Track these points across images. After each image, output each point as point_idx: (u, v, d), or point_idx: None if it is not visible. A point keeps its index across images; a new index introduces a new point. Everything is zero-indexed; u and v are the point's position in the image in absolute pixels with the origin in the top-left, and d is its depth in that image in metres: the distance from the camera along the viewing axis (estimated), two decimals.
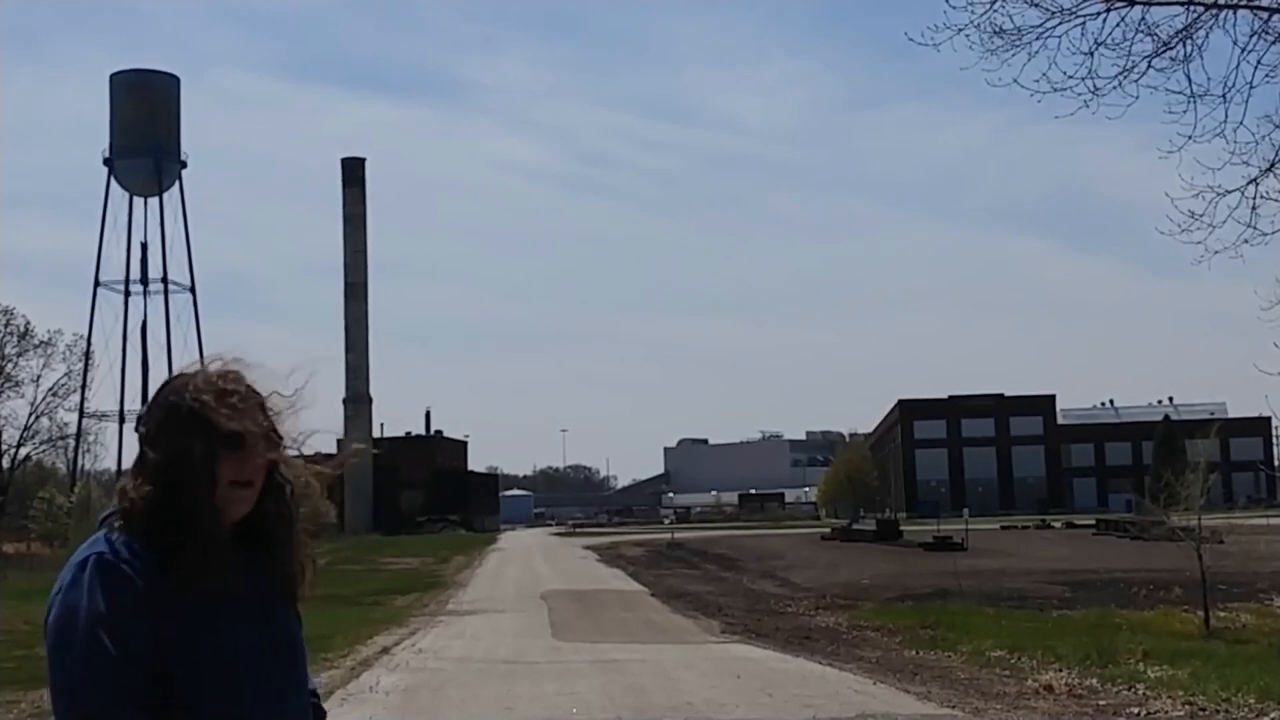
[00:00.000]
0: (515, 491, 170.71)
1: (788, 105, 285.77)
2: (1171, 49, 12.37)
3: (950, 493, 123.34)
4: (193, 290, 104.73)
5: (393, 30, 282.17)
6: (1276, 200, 12.74)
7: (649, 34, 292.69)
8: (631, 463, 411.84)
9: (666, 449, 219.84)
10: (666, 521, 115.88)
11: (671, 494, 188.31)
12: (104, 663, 2.20)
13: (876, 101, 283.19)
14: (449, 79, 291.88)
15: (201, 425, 2.35)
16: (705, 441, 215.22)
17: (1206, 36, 12.37)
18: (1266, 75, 12.54)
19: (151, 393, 2.49)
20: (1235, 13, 12.39)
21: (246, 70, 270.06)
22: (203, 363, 2.48)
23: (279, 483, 2.45)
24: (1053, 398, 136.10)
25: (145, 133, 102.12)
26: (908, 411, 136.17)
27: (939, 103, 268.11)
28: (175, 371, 2.49)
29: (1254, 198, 12.66)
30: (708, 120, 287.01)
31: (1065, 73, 12.56)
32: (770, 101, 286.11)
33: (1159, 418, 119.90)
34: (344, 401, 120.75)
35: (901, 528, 63.58)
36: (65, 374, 79.65)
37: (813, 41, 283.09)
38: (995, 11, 12.48)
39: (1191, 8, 12.28)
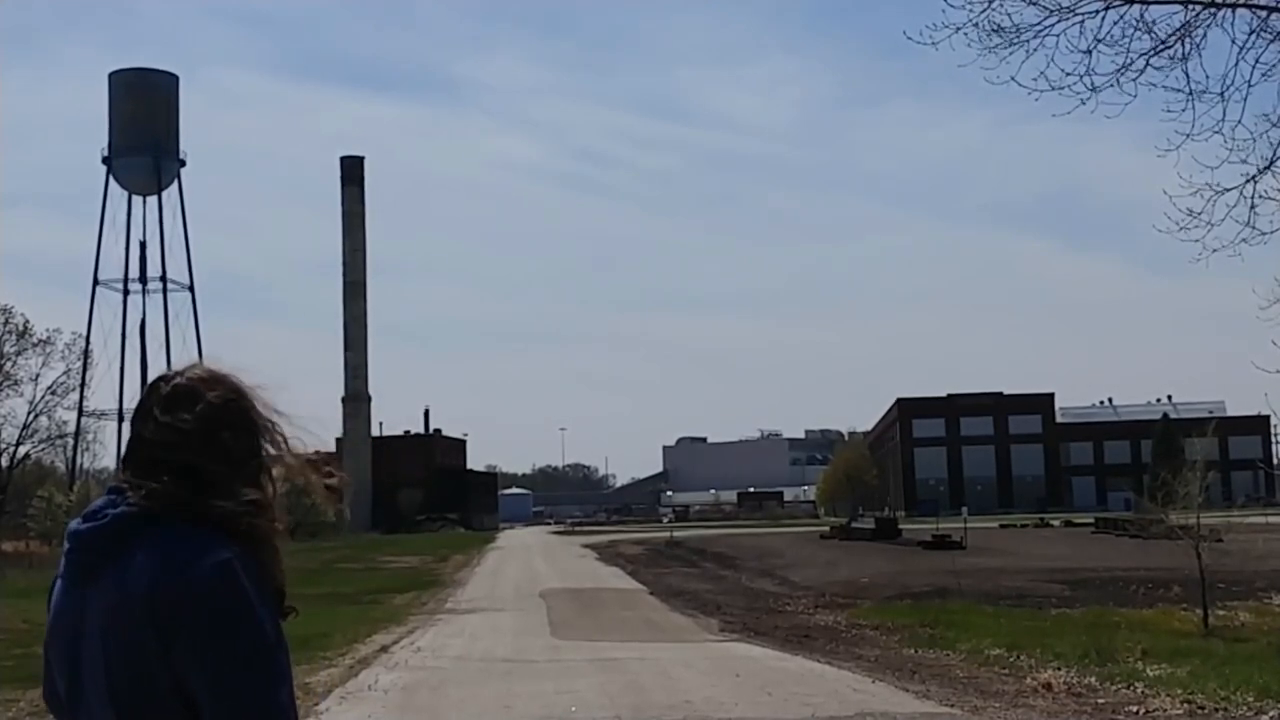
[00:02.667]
0: (514, 490, 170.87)
1: (785, 103, 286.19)
2: (1170, 47, 12.39)
3: (949, 491, 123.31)
4: (191, 289, 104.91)
5: (389, 28, 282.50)
6: (1275, 199, 12.76)
7: (646, 32, 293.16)
8: (630, 461, 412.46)
9: (665, 448, 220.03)
10: (665, 520, 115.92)
11: (670, 492, 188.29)
12: (280, 658, 2.25)
13: (874, 100, 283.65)
14: (446, 77, 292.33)
15: (276, 435, 2.38)
16: (704, 440, 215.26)
17: (1205, 34, 12.39)
18: (1265, 73, 12.56)
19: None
20: (1234, 11, 12.40)
21: (243, 69, 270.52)
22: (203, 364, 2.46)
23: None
24: (1051, 396, 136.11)
25: (144, 131, 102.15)
26: (906, 410, 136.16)
27: (936, 101, 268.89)
28: (221, 371, 2.41)
29: (1252, 196, 12.69)
30: (705, 119, 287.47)
31: (1063, 70, 12.59)
32: (767, 100, 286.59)
33: (1158, 416, 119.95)
34: (342, 400, 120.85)
35: (900, 526, 63.57)
36: (64, 372, 79.60)
37: (809, 39, 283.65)
38: (993, 10, 12.51)
39: (1190, 6, 12.30)
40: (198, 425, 2.30)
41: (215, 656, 2.17)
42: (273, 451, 2.38)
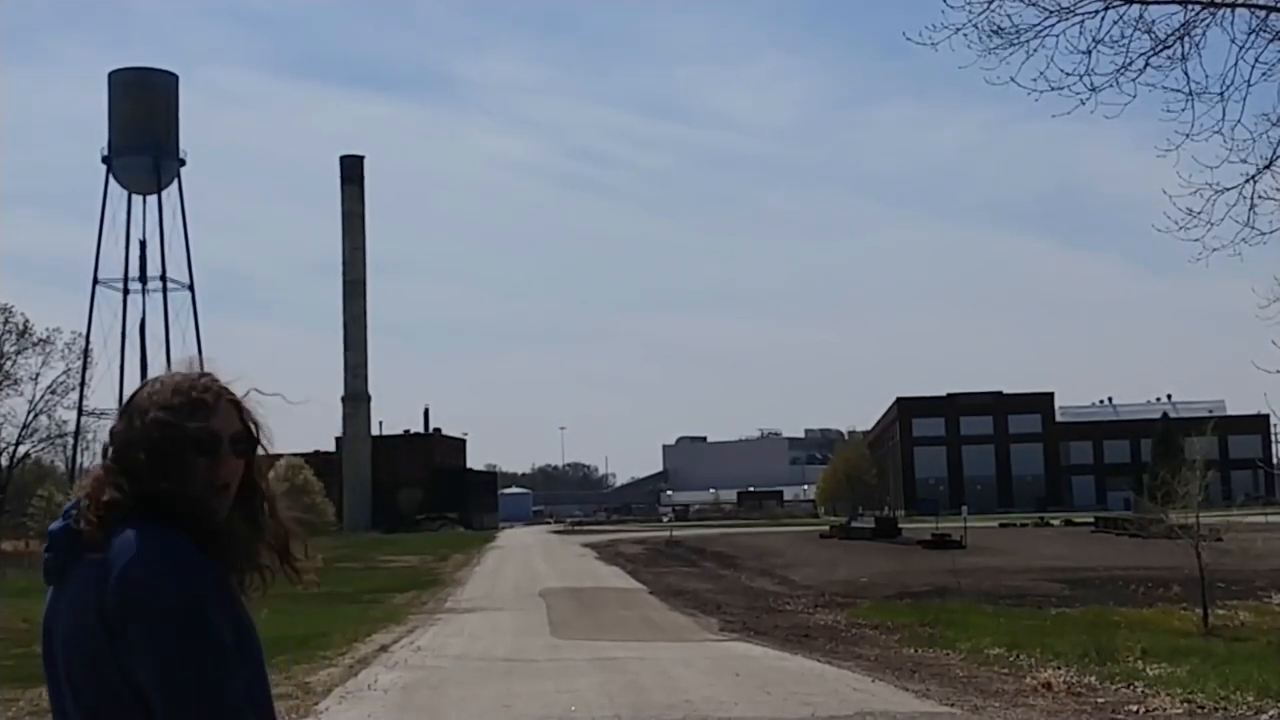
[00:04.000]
0: (514, 489, 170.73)
1: (783, 102, 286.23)
2: (1169, 47, 12.38)
3: (949, 490, 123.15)
4: (191, 288, 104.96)
5: (388, 28, 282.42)
6: (1274, 198, 12.74)
7: (643, 31, 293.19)
8: (630, 461, 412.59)
9: (665, 447, 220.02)
10: (665, 519, 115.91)
11: (670, 492, 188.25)
12: (227, 651, 2.27)
13: (871, 99, 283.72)
14: (444, 77, 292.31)
15: (174, 428, 2.37)
16: (704, 439, 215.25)
17: (1204, 34, 12.38)
18: (1264, 73, 12.55)
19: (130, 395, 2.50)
20: (1233, 11, 12.39)
21: (241, 67, 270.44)
22: (182, 365, 2.50)
23: (252, 487, 2.47)
24: (1051, 395, 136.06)
25: (144, 131, 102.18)
26: (906, 409, 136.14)
27: (935, 100, 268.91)
28: (151, 375, 2.50)
29: (1252, 196, 12.67)
30: (703, 118, 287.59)
31: (1063, 71, 12.58)
32: (765, 99, 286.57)
33: (1157, 415, 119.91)
34: (342, 400, 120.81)
35: (900, 525, 63.57)
36: (64, 372, 79.51)
37: (806, 39, 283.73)
38: (993, 10, 12.50)
39: (1189, 6, 12.29)
40: (146, 424, 2.37)
41: (161, 653, 2.22)
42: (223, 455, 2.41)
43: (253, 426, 2.47)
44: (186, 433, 2.37)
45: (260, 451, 2.48)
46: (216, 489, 2.39)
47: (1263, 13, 12.42)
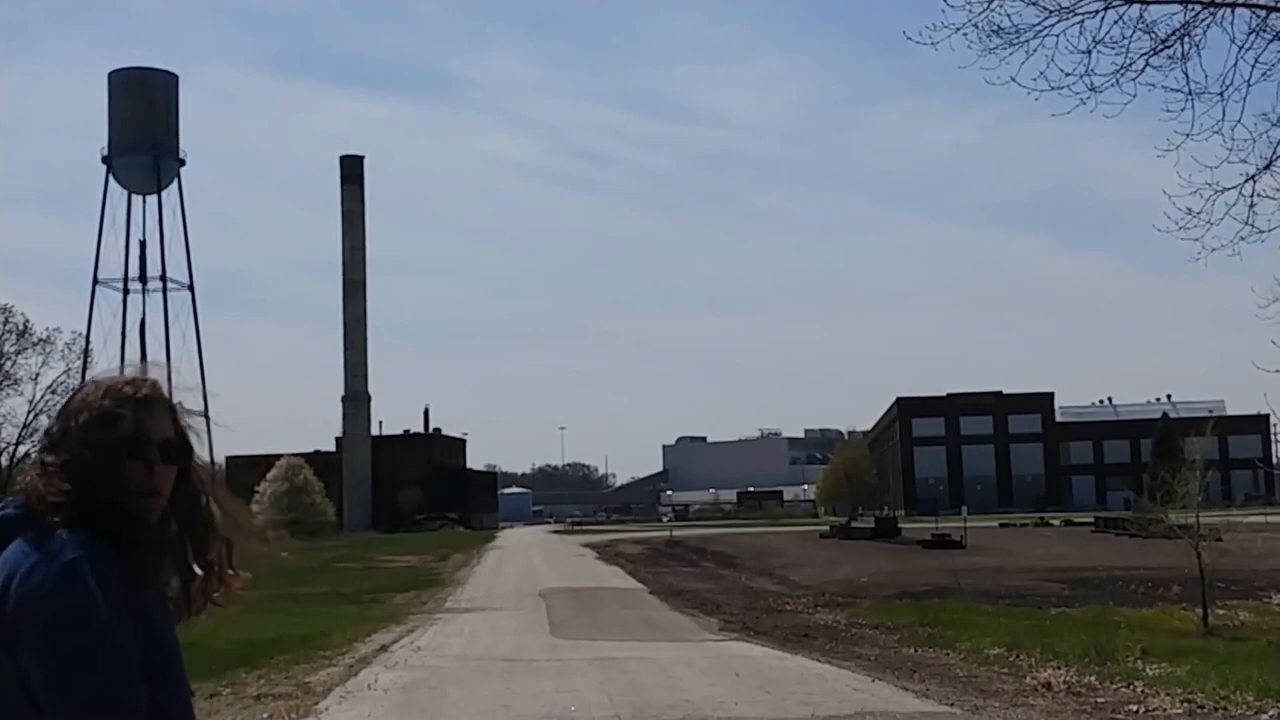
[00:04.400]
0: (514, 489, 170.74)
1: (780, 101, 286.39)
2: (1169, 47, 12.39)
3: (949, 490, 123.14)
4: (191, 288, 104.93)
5: (385, 26, 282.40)
6: (1274, 198, 12.76)
7: (641, 30, 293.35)
8: (630, 460, 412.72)
9: (665, 447, 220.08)
10: (665, 519, 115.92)
11: (670, 492, 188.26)
12: (127, 658, 2.24)
13: (869, 98, 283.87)
14: (441, 76, 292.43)
15: (103, 429, 2.35)
16: (704, 439, 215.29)
17: (1204, 34, 12.39)
18: (1264, 73, 12.56)
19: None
20: (1233, 11, 12.39)
21: (239, 66, 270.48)
22: (119, 370, 2.49)
23: (190, 495, 2.44)
24: (1051, 395, 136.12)
25: (144, 130, 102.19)
26: (906, 409, 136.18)
27: (934, 100, 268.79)
28: (90, 378, 2.49)
29: (1251, 195, 12.68)
30: (701, 117, 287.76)
31: (1063, 71, 12.59)
32: (762, 98, 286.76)
33: (1157, 415, 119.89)
34: (342, 400, 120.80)
35: (900, 525, 63.55)
36: (64, 372, 79.53)
37: (803, 38, 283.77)
38: (993, 10, 12.51)
39: (1189, 6, 12.29)
40: (79, 425, 2.37)
41: (51, 656, 2.19)
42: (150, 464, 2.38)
43: (186, 434, 2.44)
44: (115, 435, 2.34)
45: (196, 460, 2.45)
46: (148, 494, 2.36)
47: (1263, 13, 12.43)
